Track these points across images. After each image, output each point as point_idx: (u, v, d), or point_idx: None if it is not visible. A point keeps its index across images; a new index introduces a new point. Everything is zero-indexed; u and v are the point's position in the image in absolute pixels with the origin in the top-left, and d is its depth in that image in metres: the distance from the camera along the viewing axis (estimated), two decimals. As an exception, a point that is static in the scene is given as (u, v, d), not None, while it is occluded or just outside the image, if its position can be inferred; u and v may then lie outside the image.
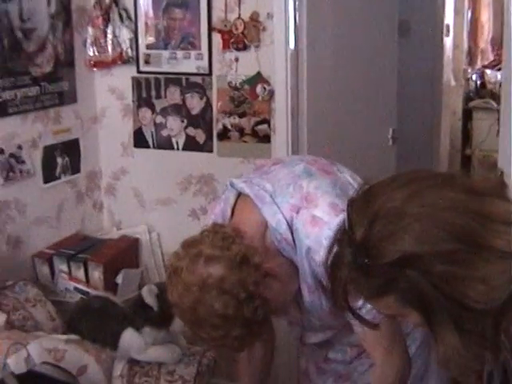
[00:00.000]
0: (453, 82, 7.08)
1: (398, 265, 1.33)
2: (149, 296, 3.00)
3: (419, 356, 2.42)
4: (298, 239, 2.02)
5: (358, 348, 2.36)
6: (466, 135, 7.77)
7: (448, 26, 6.18)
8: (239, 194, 2.14)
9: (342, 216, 1.89)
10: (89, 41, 3.93)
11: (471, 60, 7.84)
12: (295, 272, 2.10)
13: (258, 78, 3.71)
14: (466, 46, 7.63)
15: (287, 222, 2.02)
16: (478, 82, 7.94)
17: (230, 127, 3.83)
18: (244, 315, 1.91)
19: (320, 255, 1.98)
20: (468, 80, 7.85)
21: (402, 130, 4.81)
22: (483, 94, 7.76)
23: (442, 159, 6.31)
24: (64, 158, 3.86)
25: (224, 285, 1.89)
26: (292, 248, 2.05)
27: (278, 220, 2.02)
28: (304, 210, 2.01)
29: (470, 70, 7.84)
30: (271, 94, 3.72)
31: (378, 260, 1.35)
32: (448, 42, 6.29)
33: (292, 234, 2.03)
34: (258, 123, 3.78)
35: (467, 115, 7.72)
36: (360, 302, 1.59)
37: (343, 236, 1.45)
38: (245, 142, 3.82)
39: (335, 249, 1.50)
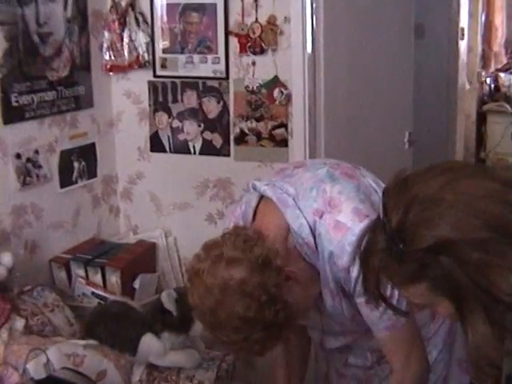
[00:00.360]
0: (467, 86, 7.05)
1: (432, 251, 1.34)
2: (168, 301, 2.99)
3: (440, 361, 2.41)
4: (321, 244, 2.01)
5: (378, 353, 2.35)
6: (481, 138, 7.75)
7: (463, 29, 6.16)
8: (261, 197, 2.13)
9: (367, 222, 1.89)
10: (105, 45, 3.92)
11: (485, 63, 7.82)
12: (316, 277, 2.09)
13: (275, 81, 3.70)
14: (479, 49, 7.60)
15: (310, 227, 2.01)
16: (492, 86, 7.92)
17: (247, 131, 3.82)
18: (265, 318, 1.90)
19: (343, 260, 1.98)
20: (482, 83, 7.83)
21: (418, 133, 4.80)
22: (497, 97, 7.74)
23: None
24: (80, 162, 3.85)
25: (245, 287, 1.88)
26: (314, 253, 2.04)
27: (301, 224, 2.01)
28: (327, 215, 2.00)
29: (483, 74, 7.82)
30: (288, 97, 3.70)
31: (412, 245, 1.36)
32: (462, 45, 6.27)
33: (314, 238, 2.02)
34: (275, 127, 3.77)
35: (481, 119, 7.70)
36: (389, 292, 1.59)
37: (377, 223, 1.46)
38: (262, 146, 3.81)
39: (367, 237, 1.51)
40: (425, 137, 5.33)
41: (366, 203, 2.02)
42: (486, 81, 7.87)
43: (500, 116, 7.13)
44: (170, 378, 3.06)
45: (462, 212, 1.33)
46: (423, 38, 5.58)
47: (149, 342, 3.03)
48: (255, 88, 3.75)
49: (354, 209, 1.99)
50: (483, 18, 7.59)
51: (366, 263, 1.50)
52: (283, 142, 3.77)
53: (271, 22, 3.65)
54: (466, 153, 7.40)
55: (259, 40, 3.68)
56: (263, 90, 3.74)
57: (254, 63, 3.73)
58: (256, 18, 3.67)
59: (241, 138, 3.84)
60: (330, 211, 2.01)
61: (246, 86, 3.77)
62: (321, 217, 2.01)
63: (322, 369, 2.63)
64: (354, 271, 1.98)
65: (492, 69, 8.00)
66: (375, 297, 1.55)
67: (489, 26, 7.79)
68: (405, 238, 1.37)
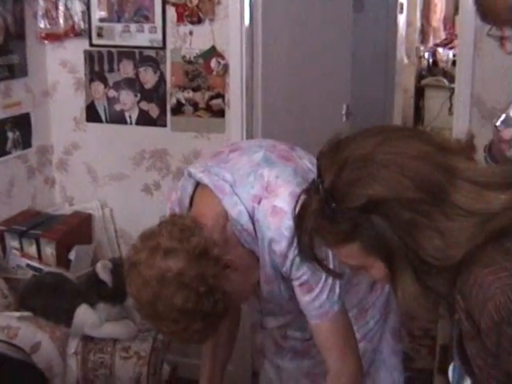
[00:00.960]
0: (405, 60, 7.11)
1: (364, 210, 1.36)
2: (103, 271, 2.97)
3: (377, 331, 2.43)
4: (260, 230, 1.99)
5: None
6: (418, 113, 7.83)
7: (402, 4, 6.20)
8: (198, 184, 2.11)
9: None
10: (40, 13, 3.85)
11: (424, 38, 7.90)
12: (256, 263, 2.07)
13: (213, 52, 3.67)
14: (418, 24, 7.67)
15: (248, 213, 1.99)
16: (431, 60, 8.00)
17: (183, 102, 3.79)
18: (204, 309, 1.88)
19: (281, 246, 1.97)
20: (420, 58, 7.91)
21: (356, 106, 4.82)
22: (435, 72, 7.82)
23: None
24: (15, 132, 3.78)
25: (183, 278, 1.85)
26: (253, 239, 2.02)
27: (239, 211, 1.99)
28: (265, 201, 1.98)
29: (422, 48, 7.89)
30: (226, 68, 3.68)
31: (344, 204, 1.38)
32: (401, 19, 6.31)
33: (254, 224, 2.00)
34: (212, 98, 3.75)
35: (419, 93, 7.78)
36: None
37: (311, 185, 1.47)
38: (199, 116, 3.79)
39: (301, 200, 1.52)
40: (362, 110, 5.35)
41: (303, 186, 2.01)
42: (424, 56, 7.96)
43: (438, 90, 7.21)
44: (105, 349, 3.05)
45: (393, 172, 1.35)
46: (362, 11, 5.60)
47: (84, 314, 3.01)
48: (192, 58, 3.72)
49: (292, 193, 1.96)
50: (423, -7, 7.66)
51: (300, 225, 1.50)
52: (220, 113, 3.75)
53: (209, -9, 3.62)
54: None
55: (197, 9, 3.64)
56: (200, 60, 3.71)
57: (191, 33, 3.69)
58: (193, -13, 3.64)
59: (177, 109, 3.81)
60: (267, 196, 1.98)
61: (183, 56, 3.73)
62: (259, 202, 1.98)
63: (258, 342, 2.63)
64: (291, 254, 1.98)
65: (431, 44, 8.08)
66: (309, 258, 1.56)
67: (428, 2, 7.86)
68: (337, 197, 1.38)
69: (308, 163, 2.13)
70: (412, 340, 4.56)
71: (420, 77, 7.84)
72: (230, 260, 1.96)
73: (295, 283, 2.05)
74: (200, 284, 1.85)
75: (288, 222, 1.92)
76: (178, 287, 1.84)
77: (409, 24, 7.21)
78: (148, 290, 1.86)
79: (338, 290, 2.06)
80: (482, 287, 1.33)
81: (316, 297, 2.04)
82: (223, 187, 2.01)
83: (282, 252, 1.98)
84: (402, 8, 6.17)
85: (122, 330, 3.07)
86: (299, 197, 1.59)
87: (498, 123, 2.12)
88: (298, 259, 1.97)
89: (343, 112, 4.49)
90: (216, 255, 1.90)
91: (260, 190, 1.99)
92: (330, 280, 2.03)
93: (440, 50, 7.90)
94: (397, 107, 6.37)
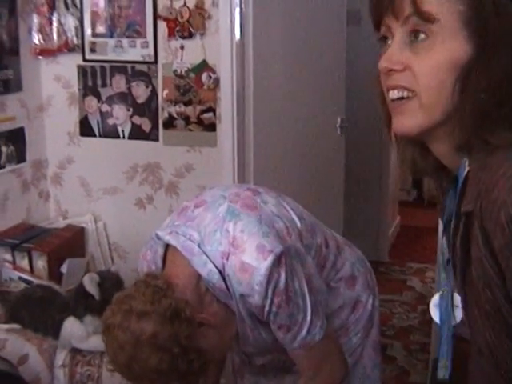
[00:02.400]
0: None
1: None
2: (90, 284, 2.99)
3: (359, 345, 2.44)
4: (231, 285, 2.02)
5: None
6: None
7: (399, 17, 6.20)
8: (167, 245, 2.13)
9: (271, 258, 1.92)
10: (34, 28, 3.89)
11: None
12: (232, 316, 2.11)
13: (204, 66, 3.70)
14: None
15: (219, 271, 2.01)
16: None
17: (175, 116, 3.82)
18: (179, 369, 1.93)
19: (255, 299, 2.00)
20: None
21: (351, 119, 4.84)
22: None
23: (394, 149, 6.33)
24: (9, 146, 3.81)
25: (157, 340, 1.90)
26: (226, 294, 2.04)
27: (210, 270, 2.01)
28: (233, 256, 2.00)
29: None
30: (217, 82, 3.71)
31: None
32: (399, 32, 6.31)
33: (225, 281, 2.02)
34: (203, 111, 3.77)
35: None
36: None
37: None
38: (190, 130, 3.81)
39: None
40: (358, 123, 5.38)
41: (269, 236, 2.01)
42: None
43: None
44: (93, 361, 3.06)
45: None
46: (360, 24, 5.61)
47: (71, 326, 3.03)
48: (183, 72, 3.75)
49: (258, 246, 1.98)
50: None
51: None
52: (211, 127, 3.78)
53: (199, 6, 3.65)
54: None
55: (187, 24, 3.68)
56: (191, 75, 3.74)
57: (182, 47, 3.73)
58: (184, 2, 3.67)
59: (169, 123, 3.84)
60: (234, 252, 1.99)
61: (175, 71, 3.76)
62: (227, 259, 2.00)
63: (235, 359, 2.64)
64: (266, 306, 2.00)
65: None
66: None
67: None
68: None
69: (273, 208, 2.14)
70: (408, 354, 4.57)
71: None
72: (205, 318, 2.02)
73: (273, 326, 2.09)
74: (174, 345, 1.91)
75: (258, 278, 1.96)
76: (152, 349, 1.90)
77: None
78: (123, 353, 1.92)
79: (319, 322, 2.11)
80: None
81: (296, 334, 2.09)
82: (191, 248, 2.03)
83: (257, 304, 2.01)
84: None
85: (109, 342, 3.09)
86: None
87: None
88: (274, 309, 2.01)
89: (337, 125, 4.50)
90: (188, 316, 1.95)
91: (227, 246, 2.01)
92: (308, 317, 2.07)
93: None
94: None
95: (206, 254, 2.02)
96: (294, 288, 2.02)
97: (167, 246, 2.13)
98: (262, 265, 1.95)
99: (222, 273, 2.01)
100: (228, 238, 2.01)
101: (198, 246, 2.03)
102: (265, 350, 2.31)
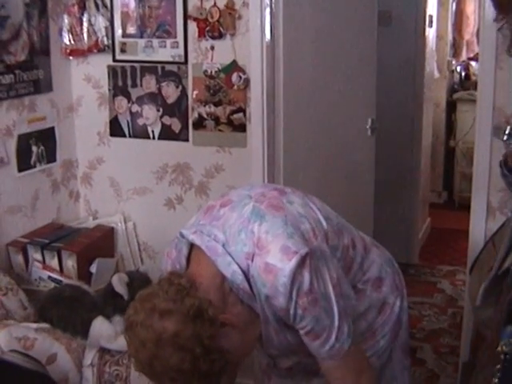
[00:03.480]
0: (436, 74, 7.07)
1: None
2: (119, 284, 2.99)
3: (387, 348, 2.42)
4: (256, 287, 1.99)
5: None
6: (450, 127, 7.78)
7: (431, 17, 6.16)
8: (192, 244, 2.12)
9: (296, 259, 1.88)
10: (64, 29, 3.91)
11: (456, 52, 7.84)
12: (256, 319, 2.08)
13: (234, 66, 3.70)
14: (450, 37, 7.62)
15: (243, 272, 1.99)
16: (463, 74, 7.94)
17: (205, 116, 3.82)
18: (200, 369, 1.91)
19: (279, 301, 1.97)
20: (452, 72, 7.85)
21: (382, 120, 4.80)
22: (467, 85, 7.75)
23: (424, 150, 6.32)
24: (39, 146, 3.83)
25: (179, 339, 1.88)
26: (250, 296, 2.02)
27: (234, 271, 1.99)
28: (257, 258, 1.98)
29: (454, 62, 7.84)
30: (247, 82, 3.70)
31: None
32: (431, 33, 6.27)
33: (249, 282, 2.00)
34: (233, 112, 3.77)
35: (451, 107, 7.72)
36: None
37: None
38: (220, 130, 3.81)
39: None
40: (388, 124, 5.34)
41: (294, 237, 1.99)
42: (456, 69, 7.90)
43: (470, 104, 7.11)
44: (121, 361, 3.06)
45: None
46: (390, 25, 5.59)
47: (100, 326, 3.03)
48: (214, 73, 3.75)
49: (283, 247, 1.96)
50: (454, 6, 7.61)
51: None
52: (241, 127, 3.77)
53: (229, 6, 3.65)
54: (435, 141, 7.44)
55: (218, 24, 3.68)
56: (221, 75, 3.74)
57: (212, 48, 3.73)
58: (214, 2, 3.66)
59: (199, 123, 3.84)
60: (259, 253, 1.98)
61: (205, 71, 3.76)
62: (252, 260, 1.98)
63: (262, 360, 2.61)
64: (291, 308, 1.98)
65: (463, 57, 8.02)
66: None
67: (460, 15, 7.81)
68: None
69: (299, 208, 2.12)
70: (438, 357, 4.53)
71: (452, 91, 7.78)
72: (228, 318, 1.99)
73: (301, 332, 2.06)
74: (196, 345, 1.89)
75: (283, 279, 1.93)
76: (173, 348, 1.88)
77: (440, 37, 7.16)
78: (145, 351, 1.90)
79: (346, 328, 2.07)
80: None
81: (325, 341, 2.05)
82: (215, 248, 2.02)
83: (281, 307, 1.99)
84: (431, 21, 6.13)
85: (138, 342, 3.08)
86: None
87: (505, 138, 2.12)
88: (299, 311, 1.98)
89: (368, 126, 4.47)
90: (211, 316, 1.93)
91: (252, 247, 1.99)
92: (336, 323, 2.04)
93: (473, 63, 7.82)
94: (427, 121, 6.32)
95: (230, 255, 2.00)
96: (320, 290, 2.00)
97: (192, 245, 2.12)
98: (287, 266, 1.93)
99: (246, 274, 1.99)
100: (253, 238, 2.00)
101: (223, 246, 2.02)
102: (289, 352, 2.28)
